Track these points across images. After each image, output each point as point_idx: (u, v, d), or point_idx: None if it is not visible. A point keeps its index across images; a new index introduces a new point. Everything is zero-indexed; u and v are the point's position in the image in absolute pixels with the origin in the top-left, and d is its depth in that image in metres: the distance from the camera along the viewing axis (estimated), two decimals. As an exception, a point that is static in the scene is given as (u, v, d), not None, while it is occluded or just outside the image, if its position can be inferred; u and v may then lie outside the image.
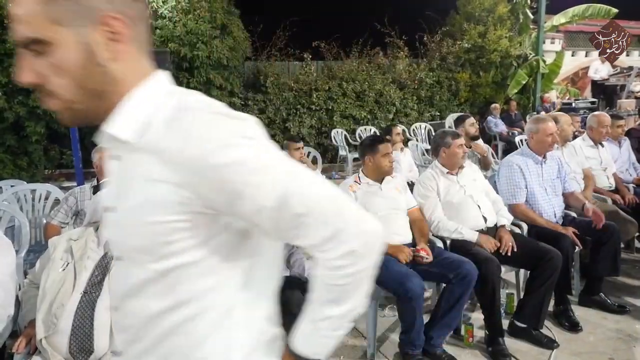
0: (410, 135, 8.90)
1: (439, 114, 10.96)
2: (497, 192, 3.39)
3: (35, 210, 3.86)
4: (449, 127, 8.16)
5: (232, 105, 8.62)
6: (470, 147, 4.33)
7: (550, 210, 3.38)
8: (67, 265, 1.99)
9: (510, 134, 9.40)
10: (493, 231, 3.11)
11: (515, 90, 11.38)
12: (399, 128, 5.45)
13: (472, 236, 2.99)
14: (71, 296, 1.92)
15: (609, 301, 3.26)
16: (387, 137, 4.28)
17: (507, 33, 11.21)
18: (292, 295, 2.14)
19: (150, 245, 0.81)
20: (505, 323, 2.92)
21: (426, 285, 2.71)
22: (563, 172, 3.55)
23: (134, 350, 0.90)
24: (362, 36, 10.35)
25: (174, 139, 0.76)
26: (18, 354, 1.98)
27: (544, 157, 3.44)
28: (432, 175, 3.21)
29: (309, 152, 5.82)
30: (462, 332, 2.92)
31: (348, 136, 9.10)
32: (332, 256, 0.81)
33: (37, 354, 1.94)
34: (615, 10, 11.68)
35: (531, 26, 11.78)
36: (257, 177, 0.77)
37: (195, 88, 7.87)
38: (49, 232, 3.04)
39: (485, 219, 3.12)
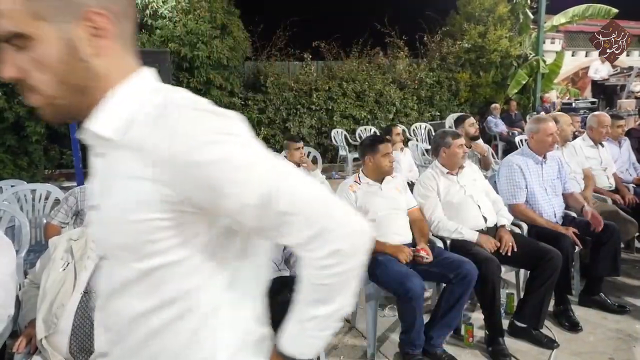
0: (411, 135, 8.90)
1: (439, 114, 10.96)
2: (497, 192, 3.39)
3: (35, 210, 3.86)
4: (449, 127, 8.17)
5: (232, 105, 8.66)
6: (470, 147, 4.33)
7: (550, 210, 3.38)
8: (67, 265, 1.99)
9: (510, 134, 9.40)
10: (493, 231, 3.11)
11: (516, 90, 11.38)
12: (399, 128, 5.45)
13: (472, 236, 2.99)
14: (71, 296, 1.92)
15: (609, 301, 3.26)
16: (387, 137, 4.28)
17: (507, 33, 11.21)
18: (292, 296, 2.13)
19: (133, 243, 0.80)
20: (505, 323, 2.92)
21: (426, 285, 2.71)
22: (563, 173, 3.55)
23: (119, 351, 0.89)
24: (362, 36, 10.38)
25: (158, 136, 0.75)
26: (18, 353, 1.98)
27: (544, 157, 3.44)
28: (432, 175, 3.21)
29: (309, 152, 5.82)
30: (462, 332, 2.92)
31: (348, 136, 9.10)
32: (318, 255, 0.80)
33: (37, 353, 1.94)
34: (615, 10, 11.69)
35: (531, 26, 11.78)
36: (242, 175, 0.77)
37: (195, 88, 7.89)
38: (49, 232, 3.04)
39: (486, 219, 3.12)
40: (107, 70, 0.81)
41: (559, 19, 12.13)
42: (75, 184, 5.51)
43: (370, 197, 2.97)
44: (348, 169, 8.34)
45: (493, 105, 10.14)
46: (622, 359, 2.73)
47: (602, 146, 4.30)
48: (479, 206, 3.13)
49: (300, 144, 4.51)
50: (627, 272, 3.78)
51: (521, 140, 6.34)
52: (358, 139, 8.49)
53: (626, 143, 4.61)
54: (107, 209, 0.83)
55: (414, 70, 10.84)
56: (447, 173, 3.21)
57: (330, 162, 9.58)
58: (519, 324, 2.93)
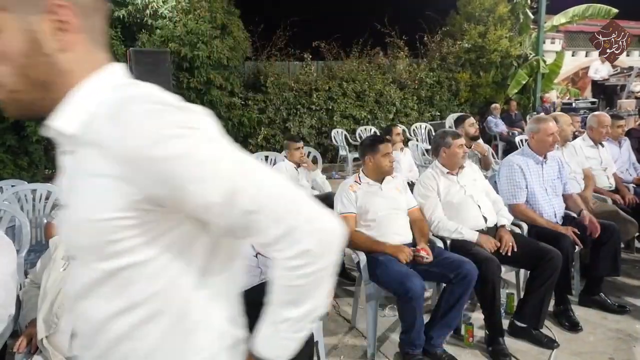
0: (411, 135, 8.90)
1: (439, 114, 10.96)
2: (497, 192, 3.40)
3: (35, 210, 3.86)
4: (449, 127, 8.17)
5: (233, 105, 8.67)
6: (471, 147, 4.33)
7: (551, 210, 3.38)
8: (68, 265, 2.00)
9: (510, 134, 9.40)
10: (493, 231, 3.11)
11: (516, 90, 11.38)
12: (399, 128, 5.45)
13: (472, 236, 3.00)
14: (72, 296, 1.92)
15: (609, 301, 3.26)
16: (387, 137, 4.28)
17: (507, 33, 11.21)
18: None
19: (97, 243, 0.77)
20: (505, 323, 2.92)
21: (426, 285, 2.71)
22: (564, 173, 3.55)
23: (89, 356, 0.86)
24: (362, 36, 10.37)
25: (114, 132, 0.72)
26: (19, 353, 1.98)
27: (545, 157, 3.44)
28: (432, 175, 3.22)
29: (309, 152, 5.82)
30: (462, 331, 2.92)
31: (348, 136, 9.10)
32: (287, 255, 0.78)
33: (38, 353, 1.94)
34: (615, 10, 11.69)
35: (531, 26, 11.78)
36: (204, 171, 0.73)
37: (195, 88, 7.90)
38: (49, 232, 3.03)
39: (486, 219, 3.12)
40: (72, 65, 0.79)
41: (559, 19, 12.14)
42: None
43: (371, 197, 2.97)
44: (348, 169, 8.34)
45: (493, 105, 10.14)
46: (622, 359, 2.73)
47: (602, 146, 4.30)
48: (479, 206, 3.13)
49: (301, 143, 4.51)
50: (627, 272, 3.78)
51: (521, 140, 6.34)
52: (358, 139, 8.49)
53: (626, 143, 4.61)
54: (73, 209, 0.80)
55: (414, 70, 10.84)
56: (447, 173, 3.21)
57: (331, 162, 9.58)
58: (519, 323, 2.93)
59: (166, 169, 0.72)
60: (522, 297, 3.08)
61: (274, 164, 4.90)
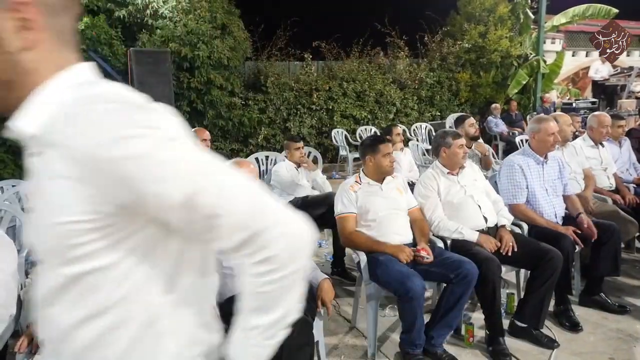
0: (411, 135, 8.90)
1: (439, 114, 10.96)
2: (498, 192, 3.40)
3: (36, 210, 3.86)
4: (450, 127, 8.17)
5: (233, 105, 8.67)
6: (471, 147, 4.33)
7: (551, 210, 3.38)
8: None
9: (510, 134, 9.41)
10: (493, 231, 3.12)
11: (516, 90, 11.38)
12: (399, 128, 5.44)
13: (472, 236, 3.00)
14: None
15: (609, 301, 3.27)
16: (388, 137, 4.28)
17: (507, 33, 11.21)
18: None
19: (59, 247, 0.75)
20: (505, 323, 2.93)
21: (427, 285, 2.71)
22: (564, 173, 3.55)
23: None
24: (362, 36, 10.36)
25: (73, 132, 0.70)
26: (20, 353, 1.98)
27: (546, 157, 3.44)
28: (432, 175, 3.22)
29: (310, 152, 5.82)
30: (463, 331, 2.92)
31: (348, 136, 9.10)
32: (253, 261, 0.76)
33: (39, 353, 1.94)
34: (615, 10, 11.69)
35: (532, 26, 11.78)
36: (163, 172, 0.71)
37: (196, 88, 7.90)
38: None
39: (486, 219, 3.12)
40: (36, 64, 0.76)
41: (560, 19, 12.13)
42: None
43: (371, 197, 2.97)
44: (348, 169, 8.34)
45: (493, 105, 10.14)
46: (623, 359, 2.73)
47: (603, 146, 4.30)
48: (479, 206, 3.13)
49: (301, 143, 4.51)
50: (627, 272, 3.79)
51: (521, 141, 6.35)
52: (358, 139, 8.49)
53: (626, 143, 4.61)
54: (39, 212, 0.78)
55: (414, 70, 10.84)
56: (448, 173, 3.21)
57: (331, 162, 9.58)
58: (519, 323, 2.93)
59: (125, 170, 0.70)
60: (522, 297, 3.08)
61: (274, 164, 4.90)
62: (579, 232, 3.20)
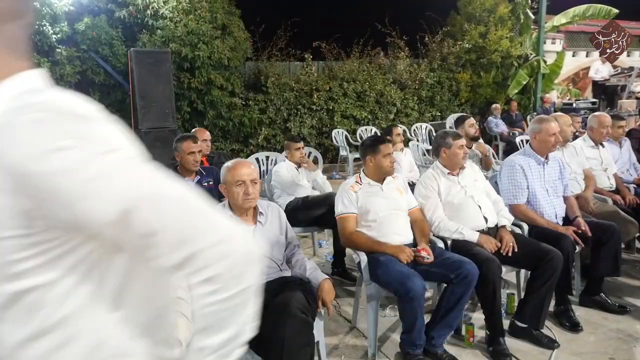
0: (411, 136, 8.91)
1: (439, 114, 10.97)
2: (498, 193, 3.40)
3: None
4: (450, 127, 8.17)
5: (233, 106, 8.68)
6: (471, 148, 4.34)
7: (552, 211, 3.38)
8: None
9: (511, 134, 9.41)
10: (494, 231, 3.12)
11: (516, 91, 11.39)
12: (400, 128, 5.44)
13: (472, 236, 3.00)
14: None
15: (609, 301, 3.27)
16: (388, 137, 4.29)
17: (508, 33, 11.22)
18: (293, 296, 2.14)
19: None
20: (505, 323, 2.93)
21: (427, 285, 2.71)
22: (565, 174, 3.55)
23: None
24: (362, 36, 10.37)
25: (3, 143, 0.66)
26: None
27: (546, 157, 3.44)
28: (433, 175, 3.22)
29: (310, 152, 5.82)
30: (463, 332, 2.93)
31: (349, 136, 9.10)
32: (195, 281, 0.72)
33: None
34: (615, 10, 11.69)
35: (532, 26, 11.79)
36: (92, 188, 0.67)
37: (196, 88, 7.91)
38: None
39: (486, 220, 3.12)
40: None
41: (560, 19, 12.14)
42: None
43: (371, 197, 2.97)
44: (349, 169, 8.34)
45: (494, 106, 10.15)
46: (623, 359, 2.73)
47: (603, 146, 4.31)
48: (479, 207, 3.13)
49: (301, 144, 4.51)
50: (627, 273, 3.79)
51: (522, 141, 6.35)
52: (359, 139, 8.49)
53: (627, 143, 4.61)
54: None
55: (414, 70, 10.84)
56: (448, 173, 3.22)
57: (331, 162, 9.59)
58: (519, 324, 2.93)
59: (54, 185, 0.66)
60: (522, 297, 3.08)
61: (274, 164, 4.90)
62: (579, 232, 3.20)
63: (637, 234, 3.88)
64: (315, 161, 5.51)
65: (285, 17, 9.59)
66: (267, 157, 5.69)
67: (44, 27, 6.78)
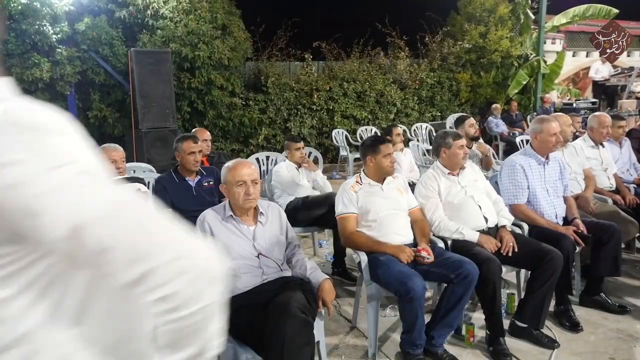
0: (411, 136, 8.91)
1: (439, 114, 10.97)
2: (498, 193, 3.40)
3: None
4: (450, 127, 8.17)
5: (234, 106, 8.69)
6: (471, 148, 4.34)
7: (552, 211, 3.38)
8: None
9: (511, 134, 9.41)
10: (494, 231, 3.12)
11: (516, 91, 11.40)
12: (400, 128, 5.45)
13: (473, 236, 3.00)
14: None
15: (609, 301, 3.27)
16: (388, 137, 4.29)
17: (508, 33, 11.23)
18: (293, 296, 2.14)
19: None
20: (506, 323, 2.93)
21: (427, 285, 2.71)
22: (565, 174, 3.55)
23: None
24: (363, 36, 10.38)
25: None
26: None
27: (547, 157, 3.44)
28: (433, 175, 3.22)
29: (310, 152, 5.82)
30: (463, 331, 2.93)
31: (349, 136, 9.10)
32: (152, 299, 0.70)
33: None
34: (615, 10, 11.69)
35: (532, 26, 11.80)
36: (41, 203, 0.65)
37: (196, 88, 7.91)
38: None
39: (486, 220, 3.12)
40: None
41: (560, 19, 12.14)
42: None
43: (372, 197, 2.98)
44: (349, 169, 8.34)
45: (494, 106, 10.15)
46: (623, 359, 2.73)
47: (603, 146, 4.31)
48: (479, 206, 3.14)
49: (301, 144, 4.52)
50: (627, 273, 3.79)
51: (522, 141, 6.35)
52: (359, 139, 8.49)
53: (627, 143, 4.61)
54: None
55: (414, 70, 10.85)
56: (448, 174, 3.22)
57: (331, 162, 9.59)
58: (519, 324, 2.94)
59: (1, 199, 0.64)
60: (522, 297, 3.08)
61: (274, 164, 4.91)
62: (579, 231, 3.20)
63: (637, 234, 3.88)
64: (316, 161, 5.52)
65: (286, 17, 9.61)
66: (268, 157, 5.69)
67: (44, 27, 6.78)
